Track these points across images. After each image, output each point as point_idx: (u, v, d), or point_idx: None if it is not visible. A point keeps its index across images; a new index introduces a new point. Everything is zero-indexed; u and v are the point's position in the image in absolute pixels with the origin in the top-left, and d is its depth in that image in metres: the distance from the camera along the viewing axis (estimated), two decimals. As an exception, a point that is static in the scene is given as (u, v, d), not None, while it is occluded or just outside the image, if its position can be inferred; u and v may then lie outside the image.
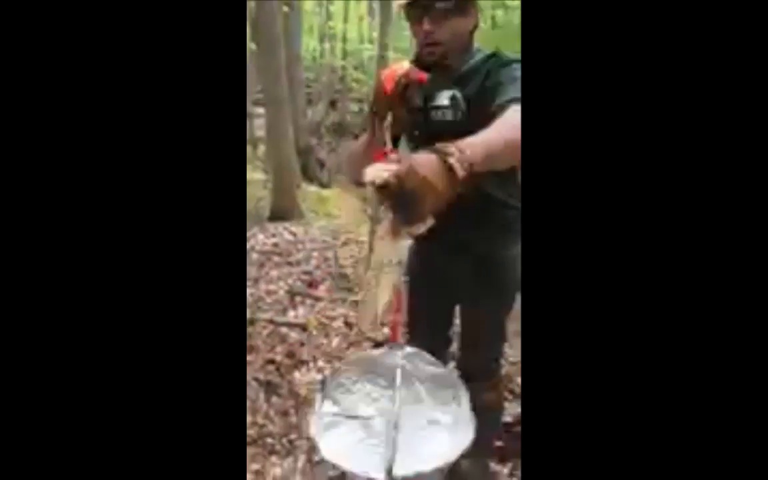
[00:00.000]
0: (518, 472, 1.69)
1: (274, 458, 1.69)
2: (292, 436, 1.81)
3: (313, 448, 1.76)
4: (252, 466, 1.63)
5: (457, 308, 1.61)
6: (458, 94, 1.24)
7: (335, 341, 2.51)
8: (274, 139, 4.90)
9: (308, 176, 6.36)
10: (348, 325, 2.69)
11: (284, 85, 4.82)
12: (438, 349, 1.65)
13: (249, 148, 7.62)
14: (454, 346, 1.73)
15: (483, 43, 1.31)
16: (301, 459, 1.68)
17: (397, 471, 0.94)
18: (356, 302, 2.97)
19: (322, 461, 1.07)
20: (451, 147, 0.84)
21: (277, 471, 1.61)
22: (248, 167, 6.34)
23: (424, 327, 1.62)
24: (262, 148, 7.33)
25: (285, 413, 1.94)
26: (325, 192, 5.88)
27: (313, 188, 5.85)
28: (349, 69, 10.67)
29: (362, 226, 4.20)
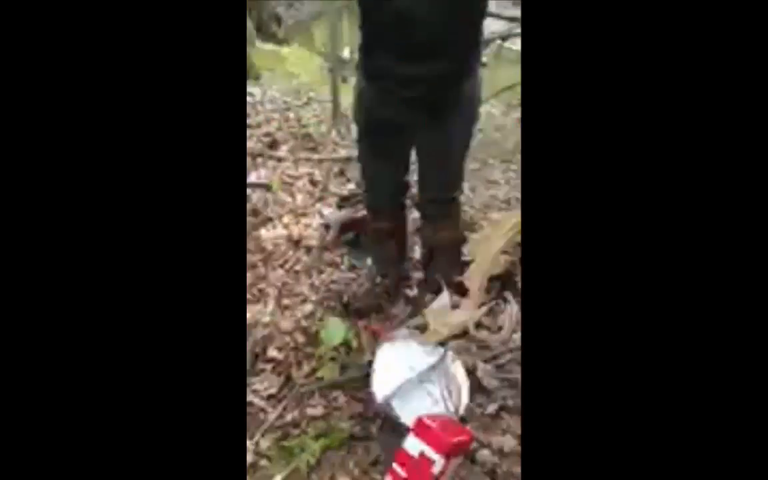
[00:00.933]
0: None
1: (244, 305, 1.77)
2: (261, 286, 1.88)
3: (281, 293, 1.84)
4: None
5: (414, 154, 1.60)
6: None
7: (300, 198, 2.51)
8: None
9: (263, 33, 5.88)
10: (312, 183, 2.69)
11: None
12: (396, 196, 1.68)
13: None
14: (413, 191, 1.76)
15: None
16: (271, 304, 1.77)
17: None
18: (320, 161, 2.94)
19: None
20: None
21: (248, 315, 1.69)
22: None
23: (383, 176, 1.62)
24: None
25: (254, 266, 2.00)
26: (283, 50, 5.50)
27: (269, 46, 5.45)
28: None
29: (324, 86, 4.01)
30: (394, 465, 1.15)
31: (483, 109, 1.65)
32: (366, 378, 1.46)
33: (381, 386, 1.33)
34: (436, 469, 1.11)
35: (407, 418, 1.24)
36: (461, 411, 1.32)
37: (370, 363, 1.42)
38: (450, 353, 1.42)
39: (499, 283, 1.88)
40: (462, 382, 1.37)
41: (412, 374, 1.34)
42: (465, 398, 1.35)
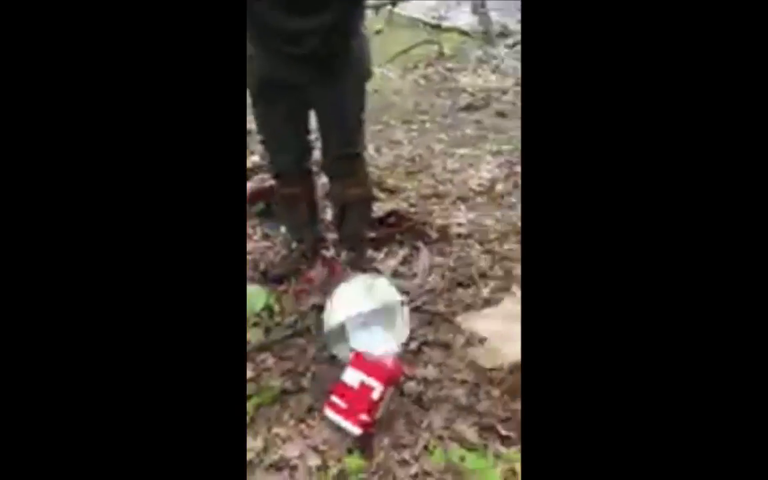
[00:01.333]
0: (395, 257, 1.91)
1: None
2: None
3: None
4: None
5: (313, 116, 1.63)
6: None
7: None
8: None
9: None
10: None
11: None
12: (301, 158, 1.70)
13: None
14: (316, 154, 1.78)
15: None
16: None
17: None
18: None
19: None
20: None
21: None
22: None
23: (284, 140, 1.63)
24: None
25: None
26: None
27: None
28: None
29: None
30: (333, 397, 1.22)
31: (379, 73, 1.71)
32: (291, 338, 1.50)
33: (330, 321, 1.43)
34: (375, 395, 1.19)
35: (356, 345, 1.36)
36: (396, 351, 1.42)
37: (295, 322, 1.45)
38: (400, 302, 1.52)
39: (411, 236, 1.99)
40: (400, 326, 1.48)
41: (354, 312, 1.43)
42: (399, 339, 1.45)
